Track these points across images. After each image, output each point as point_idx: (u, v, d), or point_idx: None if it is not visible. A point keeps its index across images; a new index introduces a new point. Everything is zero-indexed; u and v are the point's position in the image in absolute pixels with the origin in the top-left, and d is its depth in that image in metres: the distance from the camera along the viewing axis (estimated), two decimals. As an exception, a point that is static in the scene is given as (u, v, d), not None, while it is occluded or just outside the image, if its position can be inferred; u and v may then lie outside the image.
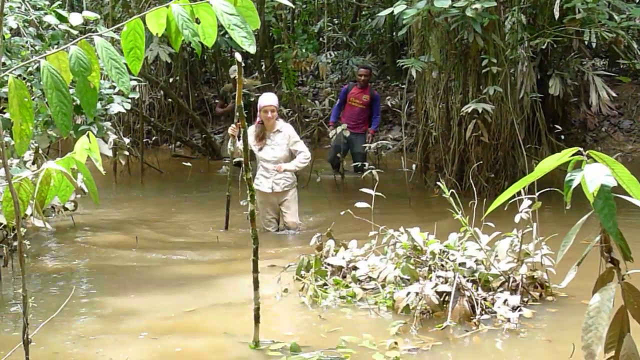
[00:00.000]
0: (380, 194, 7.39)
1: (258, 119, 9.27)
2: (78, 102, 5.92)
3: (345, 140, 13.16)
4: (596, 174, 2.43)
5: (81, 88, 2.94)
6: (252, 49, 2.90)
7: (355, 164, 13.38)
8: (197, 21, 2.95)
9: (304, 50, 15.91)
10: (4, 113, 6.75)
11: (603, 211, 2.50)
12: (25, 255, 3.20)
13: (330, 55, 17.41)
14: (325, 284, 6.74)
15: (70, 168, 3.19)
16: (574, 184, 2.49)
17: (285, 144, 9.25)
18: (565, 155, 2.57)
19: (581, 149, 2.60)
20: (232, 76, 13.53)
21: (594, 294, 2.69)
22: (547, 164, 2.59)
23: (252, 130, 9.22)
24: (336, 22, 20.19)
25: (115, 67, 2.92)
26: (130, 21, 2.93)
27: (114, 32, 5.56)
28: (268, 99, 9.23)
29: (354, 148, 13.58)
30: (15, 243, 7.44)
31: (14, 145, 3.00)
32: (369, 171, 9.61)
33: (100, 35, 3.00)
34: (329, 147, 14.71)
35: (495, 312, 5.87)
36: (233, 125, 9.20)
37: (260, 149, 9.24)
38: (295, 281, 6.96)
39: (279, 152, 9.23)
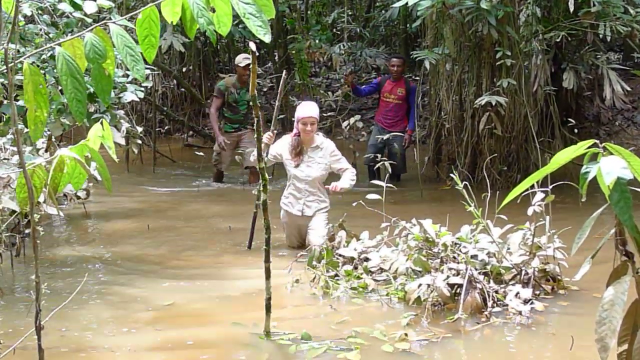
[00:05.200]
0: (391, 185, 7.38)
1: (295, 131, 7.98)
2: (91, 90, 5.96)
3: (382, 141, 11.78)
4: (612, 166, 2.41)
5: (96, 75, 2.94)
6: (267, 38, 2.89)
7: (392, 162, 10.54)
8: (213, 10, 2.94)
9: (317, 41, 15.87)
10: (17, 100, 6.75)
11: (619, 204, 2.48)
12: (38, 242, 3.20)
13: (344, 46, 17.34)
14: (336, 275, 6.74)
15: (83, 155, 3.19)
16: (590, 177, 2.48)
17: (325, 162, 7.91)
18: (581, 147, 2.56)
19: (597, 142, 2.59)
20: (242, 65, 11.67)
21: (607, 287, 2.68)
22: (563, 156, 2.58)
23: (286, 142, 8.03)
24: (350, 13, 20.13)
25: (131, 55, 2.92)
26: (145, 9, 2.93)
27: (128, 20, 5.57)
28: (308, 110, 7.89)
29: (393, 148, 11.95)
30: (27, 231, 7.46)
31: (28, 132, 3.01)
32: (381, 162, 9.27)
33: (115, 23, 2.99)
34: (341, 138, 14.61)
35: (506, 305, 5.88)
36: (269, 134, 7.72)
37: (297, 166, 7.94)
38: (306, 272, 6.96)
39: (316, 171, 7.90)
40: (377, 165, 9.96)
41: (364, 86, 13.00)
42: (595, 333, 2.60)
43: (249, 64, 11.24)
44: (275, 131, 7.94)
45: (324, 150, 7.94)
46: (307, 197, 7.96)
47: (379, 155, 10.42)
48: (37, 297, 3.20)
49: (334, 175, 8.14)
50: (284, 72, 7.79)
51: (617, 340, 2.65)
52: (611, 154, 2.51)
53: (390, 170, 8.57)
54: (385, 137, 11.51)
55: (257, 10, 2.89)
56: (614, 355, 2.68)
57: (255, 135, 5.38)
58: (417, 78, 13.74)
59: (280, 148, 8.02)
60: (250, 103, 11.44)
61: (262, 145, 7.33)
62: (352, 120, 12.45)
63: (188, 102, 17.08)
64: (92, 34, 2.96)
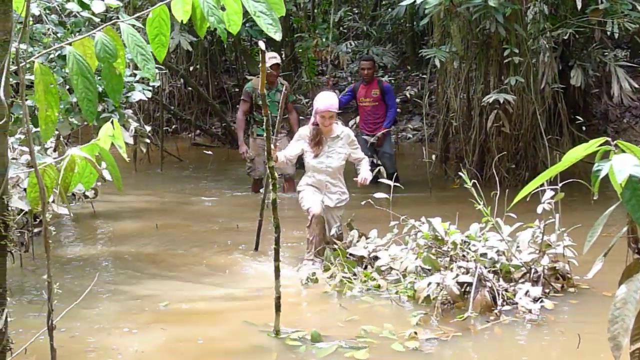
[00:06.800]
0: (398, 184, 7.36)
1: (312, 120, 7.65)
2: (100, 89, 5.96)
3: (367, 146, 11.27)
4: (625, 164, 2.40)
5: (107, 74, 2.94)
6: (278, 36, 2.89)
7: (384, 162, 11.07)
8: (223, 8, 2.94)
9: (324, 40, 15.87)
10: (27, 100, 6.76)
11: (631, 202, 2.47)
12: (49, 241, 3.20)
13: (351, 44, 17.35)
14: (354, 275, 6.71)
15: (94, 155, 3.19)
16: (602, 175, 2.47)
17: (345, 152, 7.59)
18: (592, 145, 2.54)
19: (609, 139, 2.58)
20: (268, 64, 10.60)
21: (620, 285, 2.67)
22: (575, 154, 2.56)
23: (304, 133, 7.67)
24: (356, 11, 20.14)
25: (141, 54, 2.92)
26: (156, 7, 2.93)
27: (136, 19, 5.59)
28: (327, 102, 7.48)
29: (379, 151, 11.62)
30: (36, 230, 7.47)
31: (38, 132, 3.01)
32: (377, 169, 8.81)
33: (124, 22, 2.99)
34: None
35: (516, 304, 5.87)
36: (272, 147, 6.27)
37: (316, 156, 7.57)
38: (316, 271, 6.97)
39: (336, 161, 7.56)
40: (375, 171, 9.92)
41: (340, 95, 12.41)
42: (607, 332, 2.59)
43: (275, 63, 10.87)
44: (278, 143, 7.86)
45: (344, 140, 7.62)
46: (329, 189, 7.58)
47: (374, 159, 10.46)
48: (49, 296, 3.19)
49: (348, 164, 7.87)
50: (285, 86, 7.71)
51: (629, 338, 2.64)
52: (623, 151, 2.50)
53: (385, 174, 8.46)
54: (371, 140, 11.40)
55: (268, 8, 2.89)
56: (626, 354, 2.67)
57: (265, 134, 5.38)
58: (425, 76, 13.71)
59: (302, 139, 7.69)
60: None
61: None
62: (357, 118, 12.42)
63: (195, 101, 17.09)
64: (102, 33, 2.96)
